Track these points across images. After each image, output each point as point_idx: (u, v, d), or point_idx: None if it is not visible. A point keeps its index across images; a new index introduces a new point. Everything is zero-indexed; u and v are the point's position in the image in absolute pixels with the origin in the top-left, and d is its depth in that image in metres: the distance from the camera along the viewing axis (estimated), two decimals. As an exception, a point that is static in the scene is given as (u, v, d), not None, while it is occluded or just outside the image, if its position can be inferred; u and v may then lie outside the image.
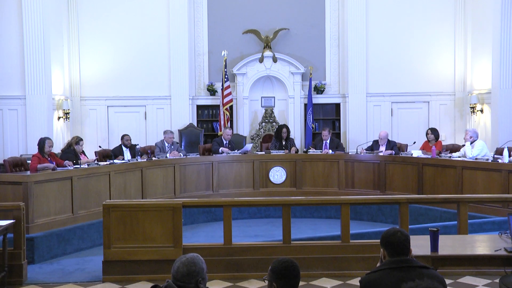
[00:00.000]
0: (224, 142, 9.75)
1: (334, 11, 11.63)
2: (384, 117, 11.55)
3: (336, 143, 9.91)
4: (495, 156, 7.98)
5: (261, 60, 11.42)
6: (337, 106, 11.79)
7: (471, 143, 8.32)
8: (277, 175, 9.43)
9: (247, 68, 11.48)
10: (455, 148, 9.23)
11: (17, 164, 7.66)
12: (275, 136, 10.23)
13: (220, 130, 10.82)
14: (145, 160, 8.61)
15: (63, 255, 6.73)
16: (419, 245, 4.07)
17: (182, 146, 10.52)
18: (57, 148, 9.10)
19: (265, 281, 2.76)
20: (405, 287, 2.80)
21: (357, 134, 11.34)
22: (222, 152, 9.42)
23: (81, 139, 8.34)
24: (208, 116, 11.83)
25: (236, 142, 10.34)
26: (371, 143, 9.68)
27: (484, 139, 9.85)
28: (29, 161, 8.21)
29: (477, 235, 5.43)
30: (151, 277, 5.57)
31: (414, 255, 3.29)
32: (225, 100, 11.04)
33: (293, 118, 11.49)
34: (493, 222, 6.93)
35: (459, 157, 8.46)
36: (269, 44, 11.41)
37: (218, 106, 11.38)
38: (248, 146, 9.88)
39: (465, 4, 11.36)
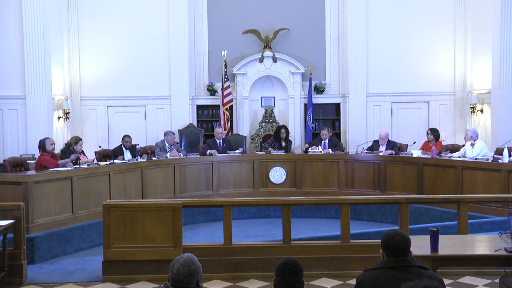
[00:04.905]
0: (218, 141, 9.69)
1: (334, 11, 11.63)
2: (384, 117, 11.55)
3: (335, 142, 9.92)
4: (495, 156, 7.98)
5: (261, 60, 11.41)
6: (337, 106, 11.79)
7: (471, 143, 8.33)
8: (277, 175, 9.43)
9: (247, 68, 11.48)
10: (455, 148, 9.24)
11: (17, 164, 7.67)
12: (274, 136, 10.22)
13: (222, 130, 10.79)
14: (145, 160, 8.62)
15: (63, 255, 6.73)
16: (419, 245, 4.08)
17: (182, 146, 10.52)
18: (56, 148, 9.10)
19: None
20: (404, 286, 2.81)
21: (357, 134, 11.34)
22: (211, 154, 9.32)
23: (80, 139, 8.34)
24: (208, 116, 11.82)
25: (236, 142, 10.34)
26: (371, 143, 9.68)
27: (484, 139, 9.85)
28: (30, 161, 8.24)
29: (477, 235, 5.43)
30: (151, 277, 5.58)
31: (414, 255, 3.30)
32: (225, 100, 11.04)
33: (293, 118, 11.49)
34: (493, 222, 6.93)
35: (459, 157, 8.47)
36: (269, 44, 11.41)
37: (218, 106, 11.38)
38: (237, 152, 9.65)
39: (465, 4, 11.36)
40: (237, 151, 9.66)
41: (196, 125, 11.45)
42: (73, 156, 7.63)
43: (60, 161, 7.56)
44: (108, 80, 11.39)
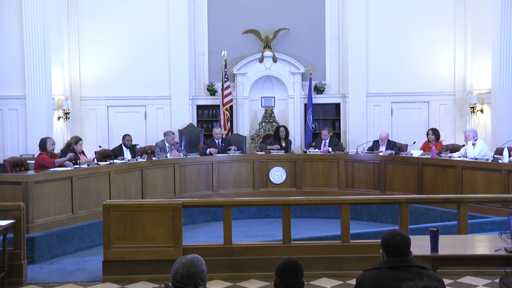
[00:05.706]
0: (217, 141, 9.68)
1: (334, 11, 11.63)
2: (384, 117, 11.55)
3: (335, 142, 9.91)
4: (495, 156, 7.98)
5: (261, 60, 11.41)
6: (337, 106, 11.79)
7: (472, 143, 8.32)
8: (277, 175, 9.43)
9: (247, 68, 11.48)
10: (455, 148, 9.24)
11: (17, 164, 7.67)
12: (273, 136, 10.23)
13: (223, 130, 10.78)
14: (145, 160, 8.62)
15: (63, 255, 6.74)
16: (419, 245, 4.07)
17: (182, 146, 10.52)
18: (56, 148, 9.10)
19: None
20: (404, 286, 2.81)
21: (357, 134, 11.34)
22: (211, 153, 9.34)
23: (80, 139, 8.34)
24: (208, 116, 11.82)
25: (236, 142, 10.33)
26: (371, 143, 9.68)
27: (484, 139, 9.85)
28: (30, 161, 8.23)
29: (477, 235, 5.43)
30: (151, 277, 5.57)
31: (414, 255, 3.30)
32: (225, 100, 11.04)
33: (293, 118, 11.49)
34: (493, 222, 6.93)
35: (459, 157, 8.47)
36: (269, 44, 11.41)
37: (218, 106, 11.38)
38: (233, 151, 9.61)
39: (465, 4, 11.36)
40: (232, 148, 9.57)
41: (196, 125, 11.45)
42: (69, 155, 7.61)
43: (56, 160, 7.55)
44: (108, 80, 11.39)
